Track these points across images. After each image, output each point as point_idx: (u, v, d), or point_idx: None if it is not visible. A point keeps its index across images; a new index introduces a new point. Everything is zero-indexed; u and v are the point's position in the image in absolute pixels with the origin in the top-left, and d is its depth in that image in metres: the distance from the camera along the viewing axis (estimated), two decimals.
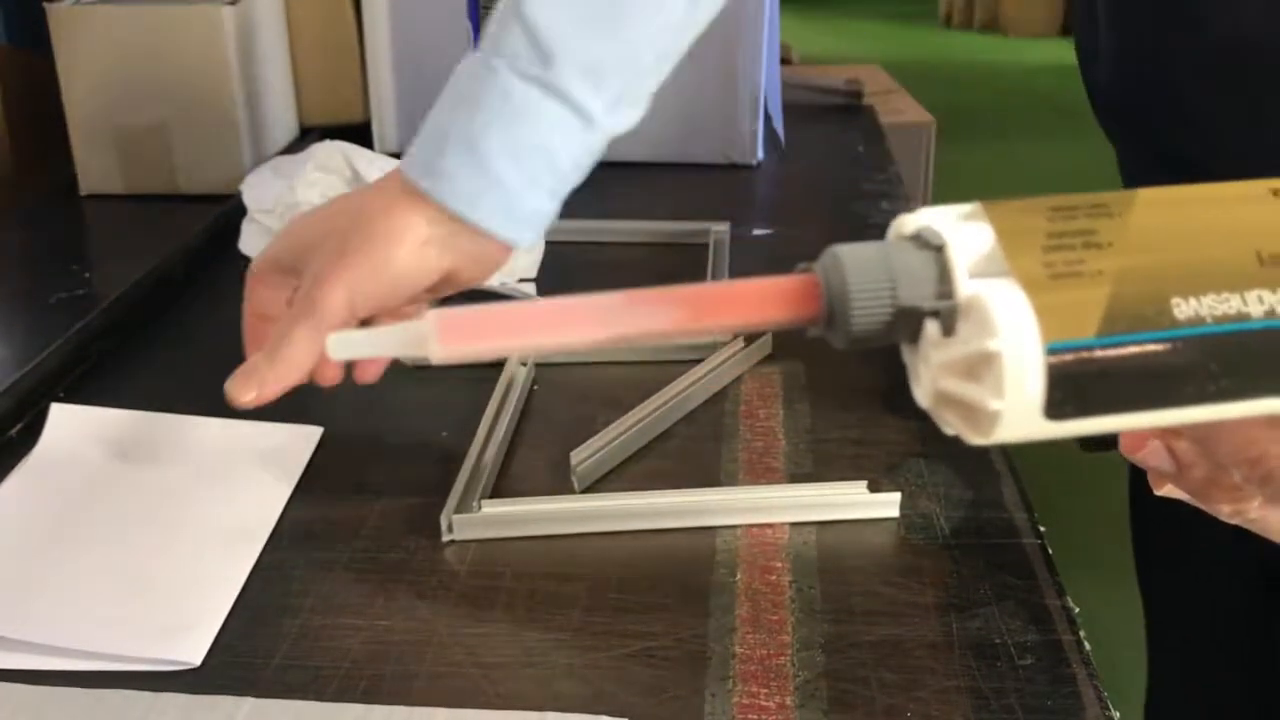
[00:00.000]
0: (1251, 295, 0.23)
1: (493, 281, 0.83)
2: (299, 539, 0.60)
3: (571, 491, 0.63)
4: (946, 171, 2.30)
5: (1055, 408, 0.23)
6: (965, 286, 0.24)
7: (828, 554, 0.58)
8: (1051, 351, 0.23)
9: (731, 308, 0.28)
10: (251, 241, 0.89)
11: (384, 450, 0.68)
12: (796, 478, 0.64)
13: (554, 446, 0.66)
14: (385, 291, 0.57)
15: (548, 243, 0.89)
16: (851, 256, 0.25)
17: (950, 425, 0.26)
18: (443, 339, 0.31)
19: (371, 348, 0.35)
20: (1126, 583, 0.92)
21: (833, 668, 0.50)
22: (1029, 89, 4.82)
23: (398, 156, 0.90)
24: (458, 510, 0.60)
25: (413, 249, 0.57)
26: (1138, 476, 0.85)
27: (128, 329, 0.82)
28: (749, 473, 0.65)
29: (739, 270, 0.89)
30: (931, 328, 0.25)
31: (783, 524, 0.60)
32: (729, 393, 0.74)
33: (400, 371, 0.77)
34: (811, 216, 1.05)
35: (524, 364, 0.75)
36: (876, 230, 0.99)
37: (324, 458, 0.67)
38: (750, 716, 0.48)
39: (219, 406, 0.73)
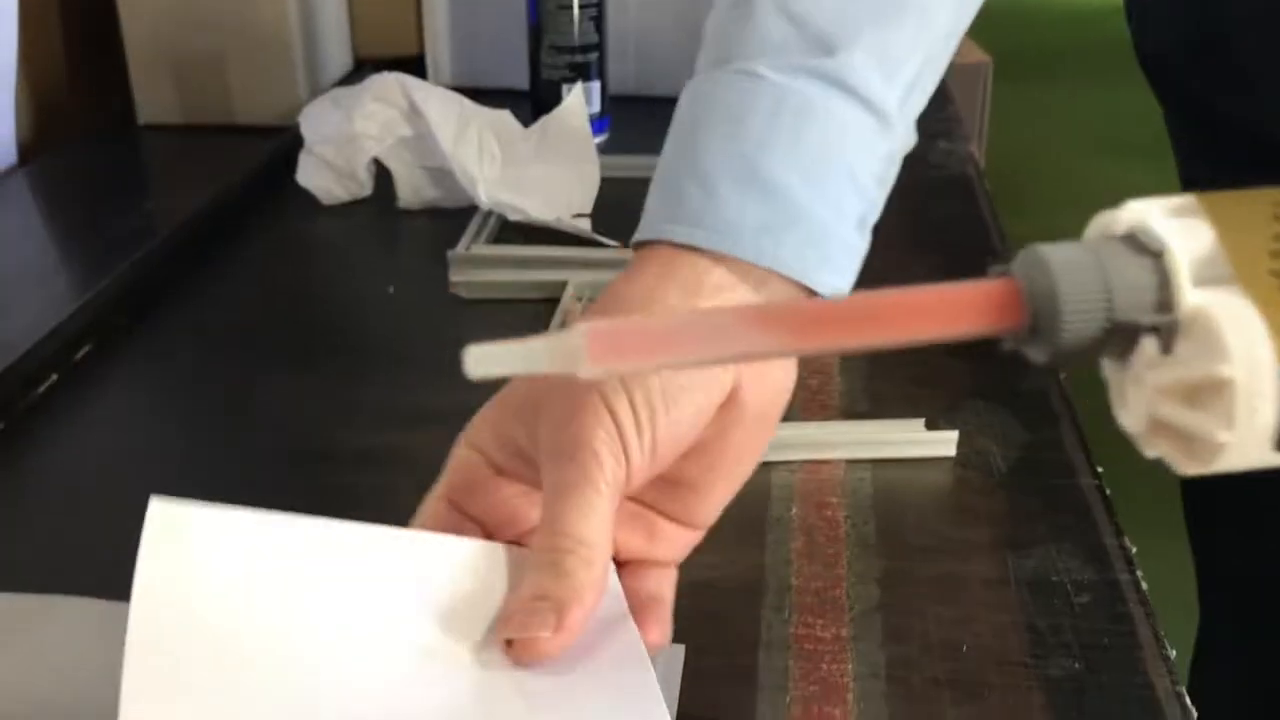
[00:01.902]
0: None
1: (547, 216, 0.83)
2: (356, 464, 0.61)
3: None
4: (1002, 111, 2.26)
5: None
6: (1190, 298, 0.21)
7: (883, 491, 0.58)
8: None
9: (918, 320, 0.25)
10: (309, 173, 0.90)
11: (438, 380, 0.69)
12: (853, 416, 0.64)
13: None
14: (653, 409, 0.40)
15: (604, 179, 0.88)
16: (1060, 261, 0.22)
17: (1159, 451, 0.23)
18: (594, 356, 0.27)
19: (513, 361, 0.29)
20: (1177, 535, 0.92)
21: (888, 601, 0.51)
22: (1086, 30, 4.72)
23: (454, 89, 0.90)
24: None
25: None
26: None
27: (187, 259, 0.83)
28: (805, 410, 0.65)
29: None
30: (1149, 345, 0.22)
31: (839, 461, 0.60)
32: None
33: (456, 303, 0.77)
34: None
35: (579, 299, 0.75)
36: (934, 169, 0.98)
37: (377, 381, 0.68)
38: (807, 646, 0.48)
39: (282, 343, 0.74)
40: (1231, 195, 0.22)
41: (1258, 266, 0.21)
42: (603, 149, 0.94)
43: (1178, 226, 0.22)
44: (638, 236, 0.47)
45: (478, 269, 0.78)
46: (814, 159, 0.44)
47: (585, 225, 0.84)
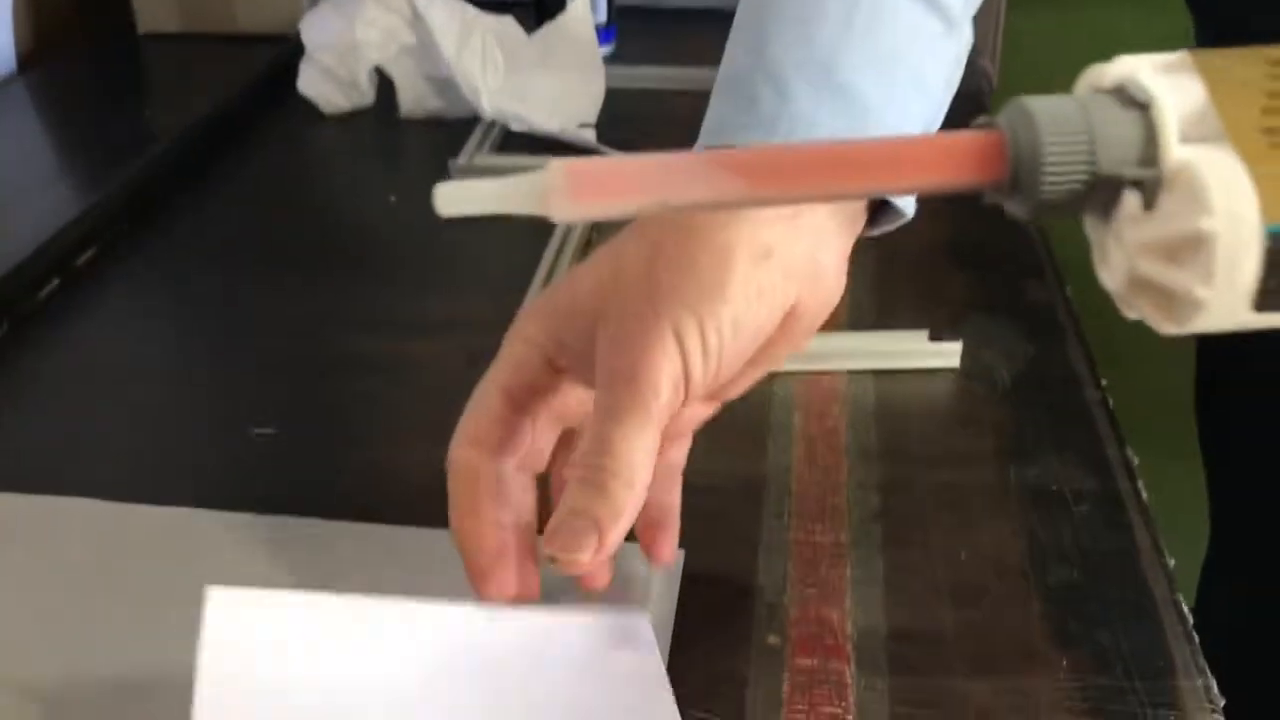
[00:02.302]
0: None
1: (551, 127, 0.82)
2: (362, 369, 0.60)
3: None
4: (1016, 34, 2.22)
5: (1267, 296, 0.21)
6: (1176, 153, 0.21)
7: (886, 402, 0.58)
8: (1272, 234, 0.20)
9: (902, 168, 0.25)
10: (310, 82, 0.89)
11: (441, 289, 0.69)
12: (857, 328, 0.64)
13: None
14: (722, 339, 0.39)
15: (609, 90, 0.87)
16: (1044, 112, 0.22)
17: (1138, 311, 0.23)
18: (573, 194, 0.26)
19: (486, 199, 0.28)
20: (1187, 453, 0.92)
21: (888, 508, 0.51)
22: None
23: None
24: None
25: (749, 262, 0.39)
26: (1205, 347, 0.84)
27: (188, 167, 0.82)
28: None
29: None
30: (1131, 200, 0.22)
31: (841, 372, 0.60)
32: None
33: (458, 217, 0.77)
34: None
35: None
36: None
37: (377, 290, 0.68)
38: (806, 551, 0.49)
39: (283, 251, 0.74)
40: (1226, 52, 0.22)
41: (1248, 123, 0.20)
42: (608, 60, 0.93)
43: (1168, 82, 0.21)
44: (707, 141, 0.45)
45: (480, 179, 0.77)
46: (886, 62, 0.43)
47: (590, 136, 0.83)
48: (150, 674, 0.43)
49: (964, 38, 0.46)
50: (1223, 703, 0.43)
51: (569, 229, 0.72)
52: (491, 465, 0.43)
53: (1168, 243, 0.21)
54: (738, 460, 0.54)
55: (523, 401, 0.43)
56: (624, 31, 1.04)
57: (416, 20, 0.83)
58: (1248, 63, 0.21)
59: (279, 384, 0.60)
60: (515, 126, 0.83)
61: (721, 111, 0.45)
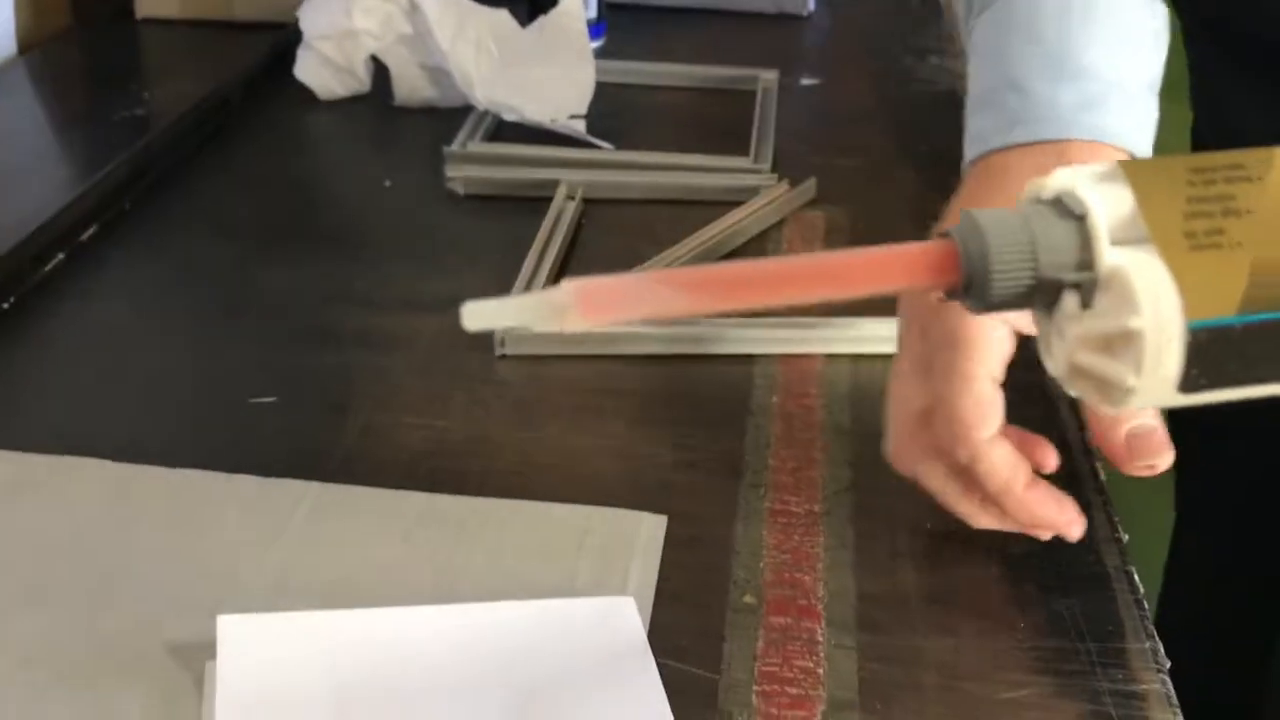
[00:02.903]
0: None
1: (542, 117, 0.85)
2: (357, 344, 0.63)
3: None
4: None
5: (1190, 383, 0.23)
6: (1108, 258, 0.23)
7: (860, 384, 0.61)
8: (1192, 331, 0.22)
9: (869, 276, 0.27)
10: (307, 69, 0.91)
11: (435, 269, 0.71)
12: (836, 314, 0.67)
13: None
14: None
15: (599, 83, 0.90)
16: (992, 224, 0.24)
17: (1078, 392, 0.25)
18: (583, 311, 0.28)
19: (503, 317, 0.31)
20: None
21: (859, 482, 0.54)
22: None
23: None
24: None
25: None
26: None
27: (187, 148, 0.84)
28: (788, 308, 0.67)
29: (786, 118, 0.90)
30: (1070, 299, 0.24)
31: (818, 355, 0.63)
32: (771, 234, 0.76)
33: (451, 198, 0.79)
34: (860, 69, 1.05)
35: (571, 198, 0.77)
36: (926, 83, 0.99)
37: (373, 269, 0.70)
38: (780, 520, 0.51)
39: (281, 230, 0.76)
40: (1152, 162, 0.24)
41: (1172, 228, 0.23)
42: (598, 55, 0.95)
43: (1101, 192, 0.24)
44: (971, 154, 0.53)
45: (473, 166, 0.80)
46: (1107, 38, 0.51)
47: (580, 127, 0.85)
48: (157, 627, 0.45)
49: (1162, 8, 0.54)
50: (1168, 664, 0.46)
51: (559, 215, 0.74)
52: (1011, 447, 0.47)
53: (1102, 337, 0.23)
54: (720, 436, 0.57)
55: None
56: (613, 27, 1.07)
57: (413, 10, 0.86)
58: (1172, 171, 0.24)
59: (278, 355, 0.62)
60: (508, 116, 0.85)
61: (979, 125, 0.53)
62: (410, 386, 0.60)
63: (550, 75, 0.86)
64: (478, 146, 0.83)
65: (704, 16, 1.14)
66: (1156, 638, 0.46)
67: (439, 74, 0.89)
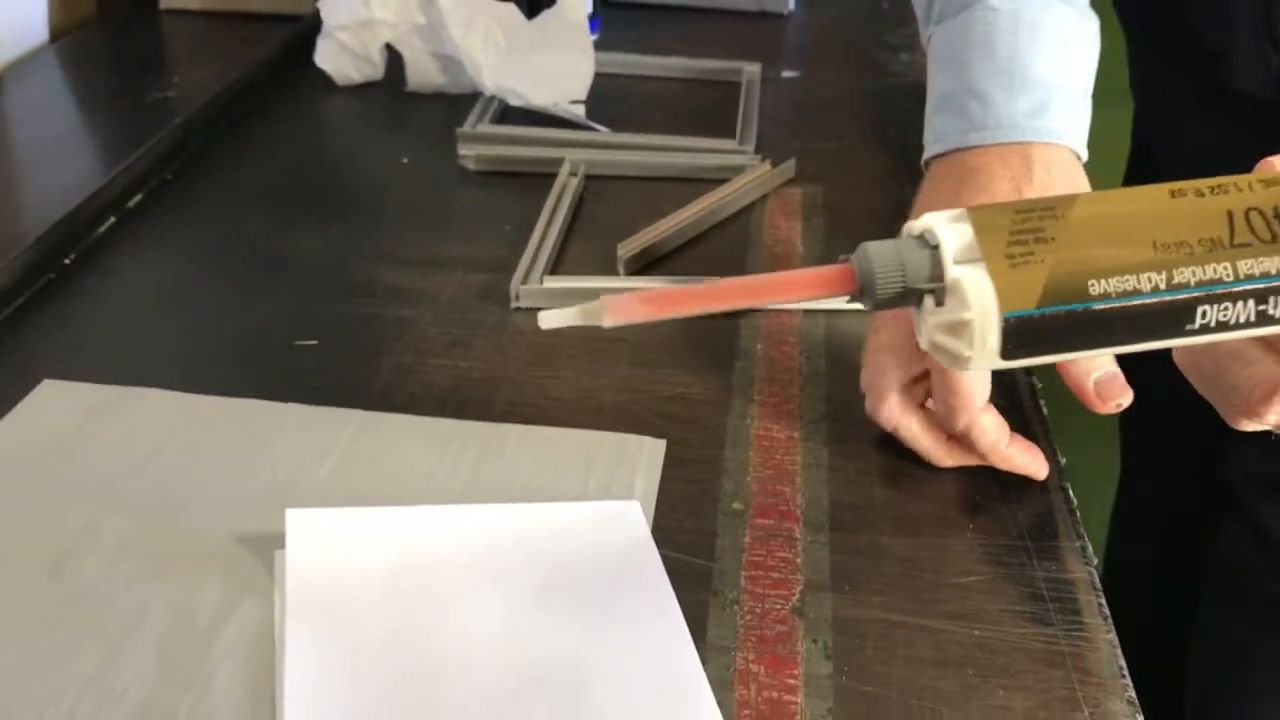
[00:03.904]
0: (1144, 276, 0.32)
1: (545, 102, 0.92)
2: (387, 297, 0.70)
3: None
4: None
5: (1008, 353, 0.33)
6: (951, 273, 0.33)
7: (835, 335, 0.69)
8: (1005, 319, 0.32)
9: (800, 289, 0.37)
10: (326, 56, 0.98)
11: (453, 235, 0.79)
12: None
13: (602, 244, 0.76)
14: None
15: (596, 74, 0.97)
16: (876, 251, 0.34)
17: (939, 359, 0.35)
18: (612, 315, 0.38)
19: (566, 319, 0.39)
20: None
21: (832, 414, 0.61)
22: None
23: None
24: (523, 282, 0.70)
25: None
26: None
27: (219, 127, 0.91)
28: (770, 271, 0.75)
29: (768, 106, 0.98)
30: (929, 300, 0.33)
31: (797, 311, 0.71)
32: (755, 208, 0.84)
33: (464, 174, 0.87)
34: (836, 63, 1.13)
35: (574, 174, 0.84)
36: (896, 77, 1.07)
37: (396, 234, 0.77)
38: (764, 443, 0.59)
39: (310, 200, 0.83)
40: (990, 206, 0.34)
41: (997, 251, 0.33)
42: (594, 48, 1.03)
43: (951, 229, 0.33)
44: (937, 150, 0.61)
45: (483, 145, 0.88)
46: (1051, 51, 0.60)
47: (580, 111, 0.93)
48: (228, 526, 0.52)
49: (1094, 19, 0.64)
50: (1096, 561, 0.53)
51: (563, 189, 0.82)
52: None
53: (949, 324, 0.33)
54: (710, 377, 0.64)
55: None
56: (608, 22, 1.14)
57: (428, 2, 0.93)
58: (1004, 212, 0.33)
59: (316, 306, 0.69)
60: (513, 101, 0.93)
61: (941, 125, 0.62)
62: (436, 333, 0.67)
63: (553, 64, 0.94)
64: (487, 128, 0.90)
65: (691, 14, 1.22)
66: (1086, 539, 0.54)
67: (449, 62, 0.96)
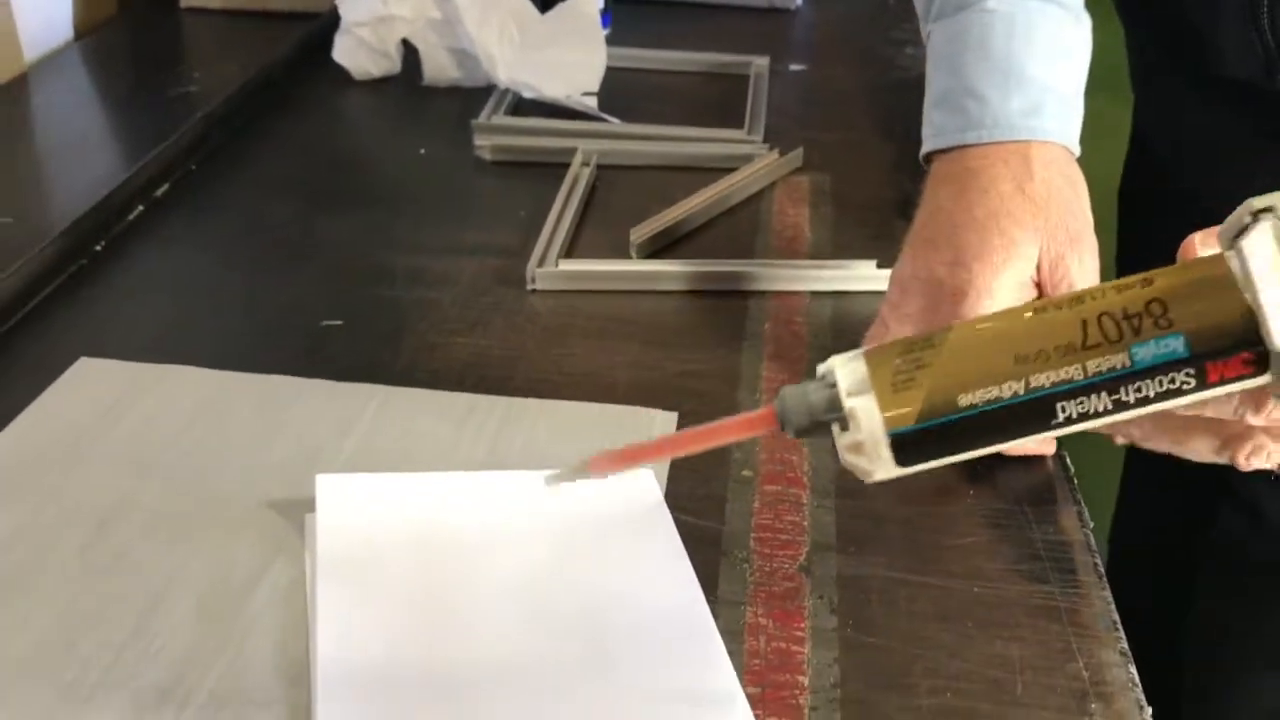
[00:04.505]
0: (1005, 385, 0.37)
1: (558, 94, 0.95)
2: (408, 281, 0.73)
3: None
4: None
5: (902, 462, 0.38)
6: (846, 404, 0.38)
7: (840, 315, 0.71)
8: (891, 436, 0.38)
9: (734, 431, 0.42)
10: (345, 51, 1.01)
11: (470, 222, 0.81)
12: (820, 257, 0.77)
13: (614, 230, 0.79)
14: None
15: (608, 68, 1.00)
16: (790, 395, 0.39)
17: (855, 473, 0.40)
18: (592, 470, 0.42)
19: (564, 478, 0.43)
20: None
21: None
22: None
23: None
24: (539, 265, 0.72)
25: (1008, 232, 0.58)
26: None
27: (240, 120, 0.94)
28: (780, 254, 0.78)
29: (775, 99, 1.00)
30: (835, 427, 0.39)
31: (804, 293, 0.73)
32: (764, 196, 0.86)
33: (479, 164, 0.89)
34: (842, 57, 1.15)
35: (586, 164, 0.87)
36: (901, 70, 1.09)
37: (415, 222, 0.80)
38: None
39: (331, 190, 0.86)
40: (880, 346, 0.39)
41: (884, 383, 0.38)
42: (605, 41, 1.05)
43: (847, 368, 0.39)
44: (937, 144, 0.64)
45: (498, 135, 0.90)
46: (1045, 53, 0.63)
47: (592, 103, 0.95)
48: (258, 492, 0.55)
49: (1087, 21, 0.66)
50: (1093, 524, 0.56)
51: (576, 179, 0.84)
52: None
53: (851, 445, 0.38)
54: (720, 355, 0.67)
55: None
56: (618, 18, 1.17)
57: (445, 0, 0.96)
58: (893, 349, 0.38)
59: (339, 289, 0.72)
60: (527, 94, 0.95)
61: (940, 121, 0.64)
62: (456, 314, 0.70)
63: (566, 58, 0.96)
64: (502, 119, 0.93)
65: (700, 9, 1.24)
66: (1084, 504, 0.56)
67: (464, 56, 0.98)
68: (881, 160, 0.92)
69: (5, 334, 0.66)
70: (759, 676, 0.46)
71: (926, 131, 0.66)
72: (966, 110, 0.63)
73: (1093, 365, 0.36)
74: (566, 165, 0.86)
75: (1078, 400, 0.36)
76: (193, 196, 0.83)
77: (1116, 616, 0.50)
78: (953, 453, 0.38)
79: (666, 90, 1.05)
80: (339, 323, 0.68)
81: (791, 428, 0.39)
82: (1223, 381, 0.36)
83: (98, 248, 0.75)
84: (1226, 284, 0.36)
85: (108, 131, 0.93)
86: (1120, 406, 0.37)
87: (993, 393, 0.37)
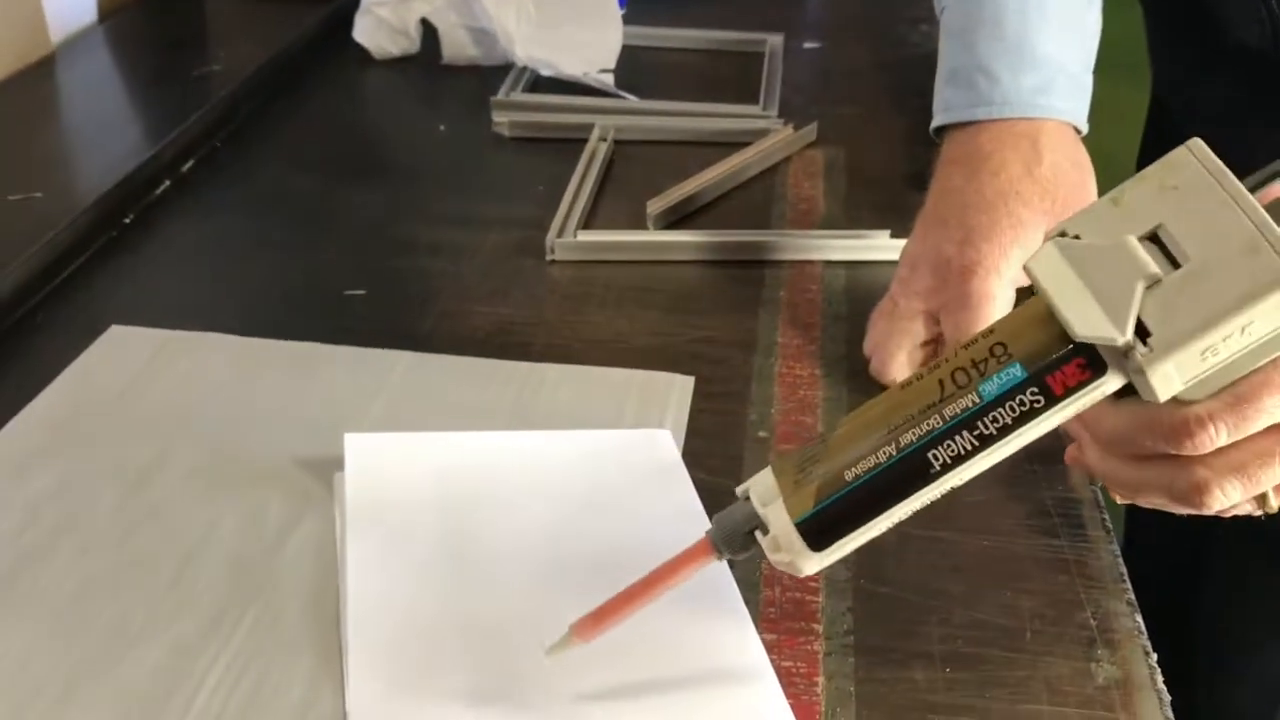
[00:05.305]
0: (880, 451, 0.40)
1: (575, 72, 0.96)
2: (429, 252, 0.74)
3: None
4: None
5: (816, 546, 0.41)
6: (760, 511, 0.42)
7: (854, 283, 0.72)
8: (797, 524, 0.41)
9: (678, 569, 0.43)
10: (365, 31, 1.02)
11: (490, 195, 0.82)
12: (835, 228, 0.78)
13: (632, 203, 0.80)
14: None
15: (624, 46, 1.01)
16: (719, 522, 0.43)
17: (783, 569, 0.43)
18: (577, 637, 0.43)
19: (562, 648, 0.43)
20: None
21: (852, 352, 0.65)
22: None
23: None
24: (558, 236, 0.74)
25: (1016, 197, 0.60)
26: None
27: (264, 98, 0.95)
28: (794, 225, 0.79)
29: (790, 75, 1.02)
30: (758, 533, 0.42)
31: (819, 262, 0.74)
32: (779, 169, 0.87)
33: (498, 139, 0.90)
34: (857, 34, 1.16)
35: (604, 139, 0.88)
36: (914, 47, 1.10)
37: (435, 195, 0.81)
38: (787, 380, 0.63)
39: (353, 164, 0.87)
40: (782, 455, 0.43)
41: (788, 484, 0.41)
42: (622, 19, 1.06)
43: (759, 482, 0.42)
44: (948, 119, 0.66)
45: (516, 112, 0.91)
46: (1056, 31, 0.64)
47: (609, 80, 0.96)
48: (288, 451, 0.56)
49: (1096, 1, 0.68)
50: (1100, 483, 0.57)
51: (594, 153, 0.85)
52: None
53: (771, 543, 0.41)
54: (737, 321, 0.68)
55: None
56: None
57: None
58: (792, 458, 0.42)
59: (363, 259, 0.73)
60: (544, 71, 0.97)
61: (951, 96, 0.66)
62: (477, 284, 0.71)
63: (583, 35, 0.97)
64: (520, 96, 0.94)
65: None
66: None
67: (482, 35, 1.00)
68: (894, 135, 0.93)
69: (38, 304, 0.68)
70: (774, 625, 0.48)
71: (937, 106, 0.67)
72: (977, 86, 0.65)
73: (949, 411, 0.40)
74: (584, 141, 0.87)
75: (945, 445, 0.40)
76: (218, 172, 0.85)
77: (1124, 569, 0.51)
78: (858, 525, 0.41)
79: (682, 67, 1.06)
80: (362, 292, 0.70)
81: (728, 548, 0.42)
82: (1069, 392, 0.39)
83: (126, 220, 0.76)
84: (1048, 311, 0.39)
85: (134, 110, 0.95)
86: (985, 440, 0.40)
87: (870, 461, 0.40)
